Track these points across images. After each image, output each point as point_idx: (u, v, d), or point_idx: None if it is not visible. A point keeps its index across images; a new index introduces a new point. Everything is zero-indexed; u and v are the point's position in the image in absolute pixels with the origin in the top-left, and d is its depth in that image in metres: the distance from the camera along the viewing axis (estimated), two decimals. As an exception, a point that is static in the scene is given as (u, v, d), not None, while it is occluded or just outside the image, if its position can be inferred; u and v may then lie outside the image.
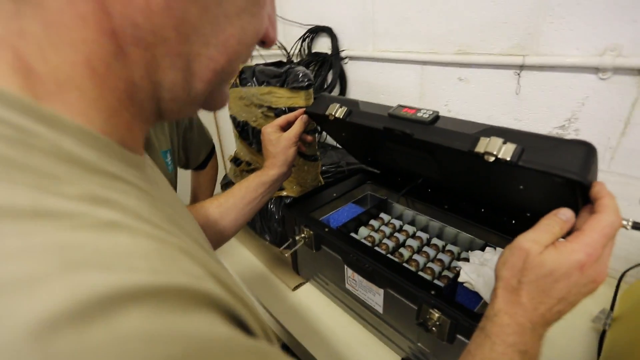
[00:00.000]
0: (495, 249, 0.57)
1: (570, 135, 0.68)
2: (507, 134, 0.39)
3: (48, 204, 0.15)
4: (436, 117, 0.45)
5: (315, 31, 1.08)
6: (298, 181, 0.78)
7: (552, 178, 0.35)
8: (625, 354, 0.47)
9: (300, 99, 0.67)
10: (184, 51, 0.22)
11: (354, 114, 0.55)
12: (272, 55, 1.26)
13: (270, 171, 0.60)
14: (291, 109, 0.68)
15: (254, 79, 0.78)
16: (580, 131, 0.67)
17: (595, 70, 0.61)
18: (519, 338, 0.31)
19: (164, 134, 0.73)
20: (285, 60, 1.15)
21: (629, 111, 0.61)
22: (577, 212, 0.34)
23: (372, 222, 0.69)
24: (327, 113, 0.57)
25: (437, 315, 0.43)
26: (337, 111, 0.56)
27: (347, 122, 0.55)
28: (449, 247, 0.62)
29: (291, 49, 1.15)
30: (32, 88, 0.18)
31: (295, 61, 1.15)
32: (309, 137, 0.65)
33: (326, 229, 0.60)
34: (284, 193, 0.80)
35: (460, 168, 0.53)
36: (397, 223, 0.69)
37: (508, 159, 0.37)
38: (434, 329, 0.44)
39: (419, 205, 0.70)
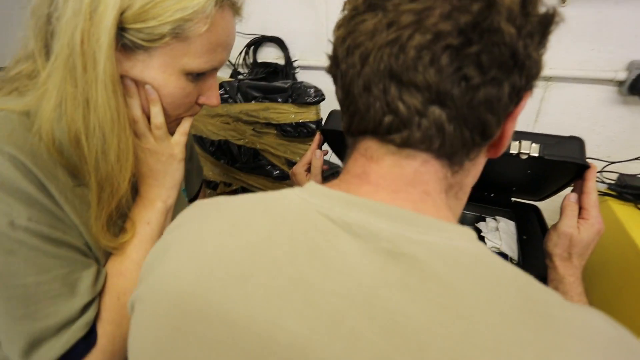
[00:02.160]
0: (495, 219, 0.74)
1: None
2: (523, 136, 0.54)
3: None
4: None
5: (260, 41, 1.09)
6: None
7: (566, 165, 0.52)
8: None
9: (311, 114, 0.71)
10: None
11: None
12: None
13: None
14: (300, 124, 0.71)
15: (238, 95, 0.76)
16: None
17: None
18: (580, 287, 0.47)
19: None
20: (231, 71, 1.12)
21: (538, 105, 0.86)
22: (569, 183, 0.52)
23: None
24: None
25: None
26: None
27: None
28: None
29: (235, 59, 1.12)
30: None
31: (242, 72, 1.13)
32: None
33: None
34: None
35: None
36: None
37: (537, 155, 0.51)
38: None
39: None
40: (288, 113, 0.71)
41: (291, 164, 0.76)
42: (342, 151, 0.69)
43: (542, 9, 0.25)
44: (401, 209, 0.26)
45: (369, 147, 0.28)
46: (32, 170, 0.36)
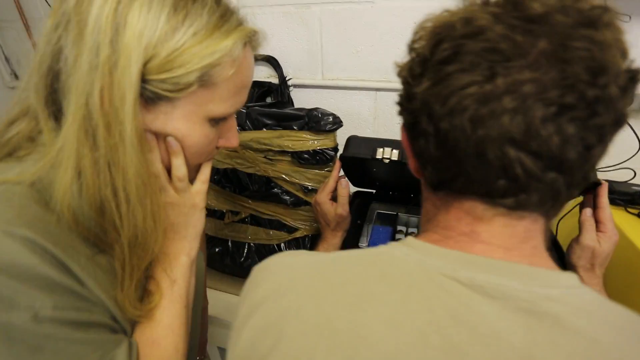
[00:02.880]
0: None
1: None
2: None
3: None
4: None
5: (251, 59, 1.06)
6: (315, 218, 0.80)
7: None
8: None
9: (329, 141, 0.70)
10: None
11: (404, 153, 0.64)
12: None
13: (339, 233, 0.64)
14: (318, 152, 0.70)
15: (248, 122, 0.74)
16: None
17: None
18: (604, 294, 0.51)
19: None
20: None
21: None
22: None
23: (397, 235, 0.80)
24: (379, 157, 0.64)
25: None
26: (391, 153, 0.64)
27: (397, 163, 0.64)
28: None
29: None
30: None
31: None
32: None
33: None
34: (298, 235, 0.81)
35: None
36: (413, 230, 0.82)
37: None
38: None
39: (413, 210, 0.86)
40: (305, 140, 0.70)
41: (307, 190, 0.75)
42: (359, 177, 0.69)
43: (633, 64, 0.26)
44: (524, 265, 0.27)
45: (474, 206, 0.29)
46: (50, 251, 0.32)
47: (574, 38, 0.23)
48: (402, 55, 0.93)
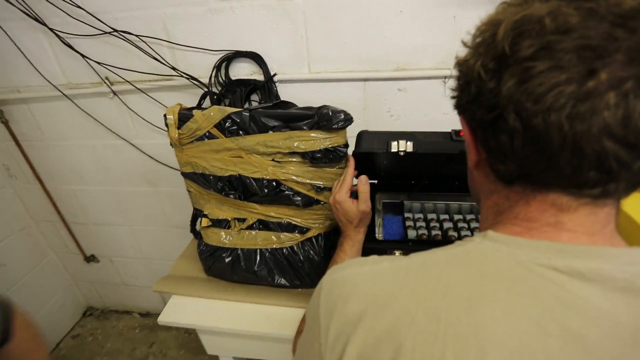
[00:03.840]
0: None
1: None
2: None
3: None
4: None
5: (231, 57, 1.01)
6: (327, 216, 0.80)
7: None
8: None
9: (341, 138, 0.69)
10: None
11: (418, 144, 0.65)
12: (178, 87, 1.08)
13: (362, 229, 0.64)
14: (330, 150, 0.69)
15: (252, 125, 0.72)
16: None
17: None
18: None
19: None
20: (204, 91, 1.03)
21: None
22: None
23: (407, 223, 0.82)
24: (394, 150, 0.65)
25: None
26: (406, 145, 0.64)
27: (411, 154, 0.65)
28: (459, 216, 0.84)
29: (209, 78, 1.02)
30: None
31: (216, 91, 1.04)
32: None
33: (410, 243, 0.70)
34: (311, 234, 0.80)
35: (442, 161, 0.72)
36: (419, 216, 0.85)
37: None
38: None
39: (416, 196, 0.88)
40: (316, 140, 0.68)
41: (319, 189, 0.74)
42: (370, 171, 0.69)
43: None
44: (608, 247, 0.29)
45: (558, 198, 0.30)
46: None
47: None
48: (389, 44, 0.93)
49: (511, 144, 0.29)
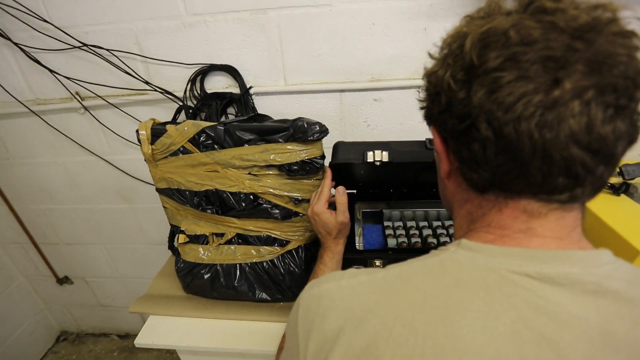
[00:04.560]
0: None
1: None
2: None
3: None
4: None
5: (206, 71, 1.00)
6: (307, 228, 0.79)
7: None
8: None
9: (317, 150, 0.69)
10: None
11: (393, 154, 0.66)
12: (153, 101, 1.06)
13: (341, 240, 0.64)
14: (307, 162, 0.69)
15: (227, 139, 0.71)
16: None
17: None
18: None
19: None
20: (179, 105, 1.02)
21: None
22: None
23: (386, 231, 0.82)
24: (370, 160, 0.65)
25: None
26: (382, 155, 0.65)
27: (387, 164, 0.66)
28: (437, 222, 0.85)
29: (184, 92, 1.01)
30: None
31: (191, 104, 1.02)
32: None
33: (390, 252, 0.70)
34: (291, 247, 0.79)
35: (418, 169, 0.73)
36: (398, 224, 0.85)
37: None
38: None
39: (395, 204, 0.89)
40: (293, 152, 0.68)
41: (297, 201, 0.74)
42: (347, 182, 0.70)
43: None
44: (577, 251, 0.30)
45: (528, 204, 0.31)
46: None
47: (618, 45, 0.26)
48: (363, 56, 0.95)
49: (484, 152, 0.30)
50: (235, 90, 1.02)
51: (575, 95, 0.26)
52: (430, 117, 0.36)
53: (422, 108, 0.36)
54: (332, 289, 0.34)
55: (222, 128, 0.70)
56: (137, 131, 0.74)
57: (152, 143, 0.75)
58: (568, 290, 0.28)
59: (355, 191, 0.91)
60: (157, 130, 0.74)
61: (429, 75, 0.34)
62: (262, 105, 1.05)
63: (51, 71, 1.04)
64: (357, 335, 0.29)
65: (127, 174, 1.23)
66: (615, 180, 0.77)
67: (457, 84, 0.30)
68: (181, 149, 0.74)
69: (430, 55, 0.35)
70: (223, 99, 1.00)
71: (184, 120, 0.74)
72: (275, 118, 0.97)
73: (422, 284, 0.30)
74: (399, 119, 1.03)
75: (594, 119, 0.26)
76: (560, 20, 0.26)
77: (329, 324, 0.31)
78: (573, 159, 0.27)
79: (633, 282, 0.29)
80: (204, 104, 1.01)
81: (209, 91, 1.03)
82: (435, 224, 0.84)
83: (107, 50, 0.99)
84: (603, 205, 0.70)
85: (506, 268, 0.29)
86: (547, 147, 0.27)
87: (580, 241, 0.32)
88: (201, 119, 1.03)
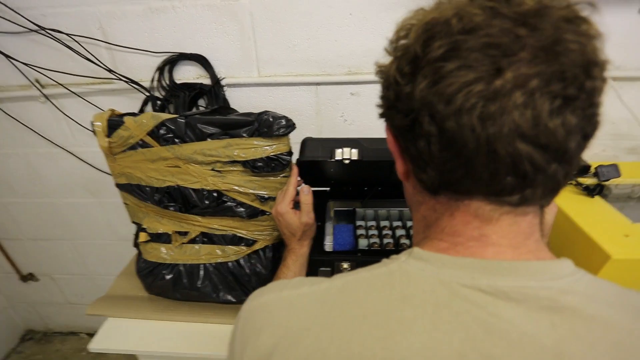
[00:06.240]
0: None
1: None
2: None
3: None
4: None
5: (175, 60, 0.95)
6: (274, 227, 0.75)
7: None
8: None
9: (283, 145, 0.65)
10: None
11: (364, 152, 0.63)
12: (119, 90, 1.00)
13: (306, 242, 0.61)
14: (272, 158, 0.65)
15: (189, 133, 0.67)
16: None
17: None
18: None
19: None
20: (147, 95, 0.97)
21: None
22: None
23: (358, 231, 0.79)
24: (338, 158, 0.62)
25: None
26: (351, 153, 0.62)
27: (357, 162, 0.63)
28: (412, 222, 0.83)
29: (151, 82, 0.95)
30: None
31: (160, 95, 0.97)
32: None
33: (358, 254, 0.67)
34: (257, 247, 0.76)
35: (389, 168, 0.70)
36: (372, 224, 0.83)
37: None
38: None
39: (369, 203, 0.86)
40: (257, 147, 0.64)
41: (264, 199, 0.70)
42: (316, 179, 0.67)
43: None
44: (533, 261, 0.27)
45: (480, 207, 0.28)
46: None
47: (566, 31, 0.24)
48: (340, 48, 0.91)
49: (429, 149, 0.28)
50: (207, 81, 0.97)
51: (517, 85, 0.23)
52: (382, 114, 0.33)
53: (377, 106, 0.34)
54: (272, 300, 0.31)
55: (183, 121, 0.66)
56: (92, 123, 0.69)
57: (108, 136, 0.70)
58: (522, 307, 0.25)
59: (328, 189, 0.88)
60: (115, 122, 0.69)
61: (381, 70, 0.31)
62: (235, 98, 1.00)
63: (7, 56, 0.96)
64: (290, 355, 0.26)
65: (94, 167, 1.17)
66: (590, 181, 0.76)
67: (403, 77, 0.27)
68: (140, 142, 0.69)
69: (386, 51, 0.32)
70: (193, 90, 0.95)
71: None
72: (248, 111, 0.93)
73: (364, 299, 0.27)
74: (377, 114, 1.00)
75: (540, 110, 0.23)
76: (503, 7, 0.24)
77: (263, 340, 0.28)
78: (519, 155, 0.25)
79: (593, 297, 0.26)
80: (172, 95, 0.96)
81: (178, 82, 0.98)
82: (410, 224, 0.82)
83: (68, 35, 0.92)
84: (576, 206, 0.69)
85: (457, 281, 0.26)
86: (491, 142, 0.24)
87: (538, 250, 0.29)
88: (169, 112, 0.97)
